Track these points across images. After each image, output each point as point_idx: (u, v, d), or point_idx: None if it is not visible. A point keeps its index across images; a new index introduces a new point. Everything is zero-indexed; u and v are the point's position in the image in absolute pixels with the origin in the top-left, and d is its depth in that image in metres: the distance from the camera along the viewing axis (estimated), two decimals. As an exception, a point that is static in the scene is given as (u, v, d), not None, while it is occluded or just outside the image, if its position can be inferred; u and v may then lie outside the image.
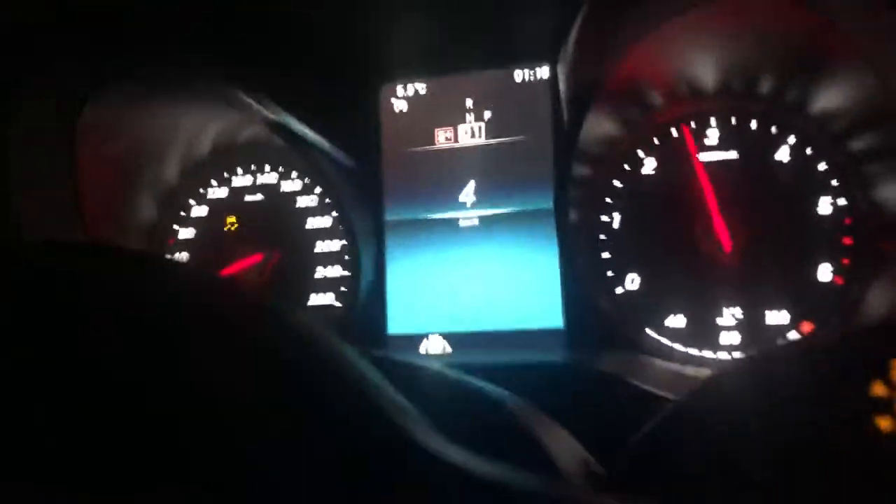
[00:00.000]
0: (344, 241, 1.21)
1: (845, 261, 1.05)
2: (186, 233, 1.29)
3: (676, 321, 1.10)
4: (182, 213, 1.29)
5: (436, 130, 1.16)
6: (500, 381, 0.73)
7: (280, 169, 1.26)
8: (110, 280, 0.38)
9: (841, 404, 0.41)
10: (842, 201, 1.06)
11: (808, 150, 1.08)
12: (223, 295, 0.41)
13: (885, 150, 1.01)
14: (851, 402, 0.40)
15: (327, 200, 1.23)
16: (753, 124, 1.11)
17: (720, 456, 0.46)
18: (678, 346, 1.09)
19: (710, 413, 0.49)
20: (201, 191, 1.29)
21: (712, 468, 0.46)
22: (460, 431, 0.51)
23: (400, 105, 1.18)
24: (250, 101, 1.07)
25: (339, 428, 0.36)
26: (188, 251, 1.29)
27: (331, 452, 0.35)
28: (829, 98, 1.05)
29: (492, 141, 1.14)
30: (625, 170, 1.15)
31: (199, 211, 1.28)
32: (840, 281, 1.05)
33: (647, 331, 1.11)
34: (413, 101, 1.18)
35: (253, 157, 1.27)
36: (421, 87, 1.17)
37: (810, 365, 0.44)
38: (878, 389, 0.40)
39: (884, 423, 0.40)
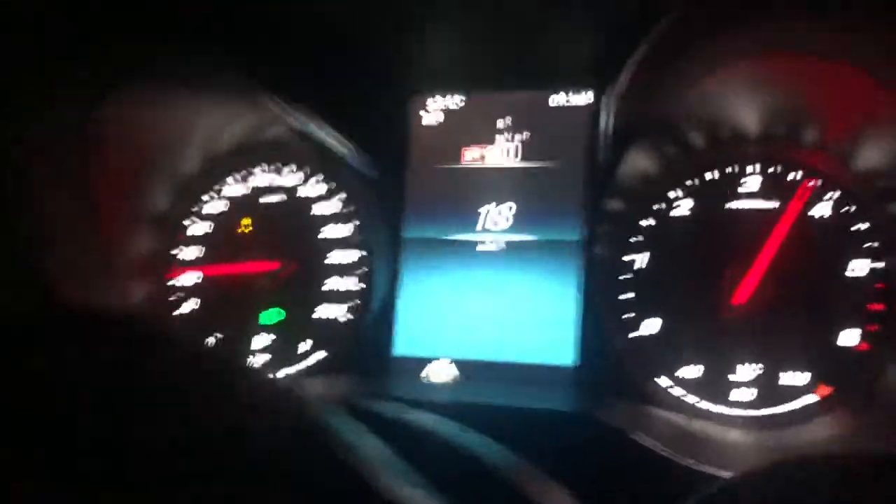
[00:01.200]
0: (360, 253, 1.18)
1: (873, 327, 1.02)
2: (198, 228, 1.26)
3: (690, 371, 1.07)
4: (195, 208, 1.26)
5: (464, 148, 1.12)
6: (502, 425, 0.72)
7: (302, 172, 1.22)
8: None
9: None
10: (877, 265, 1.02)
11: (851, 208, 1.04)
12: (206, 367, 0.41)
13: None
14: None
15: (347, 209, 1.19)
16: (793, 175, 1.06)
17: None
18: (689, 398, 1.06)
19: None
20: (217, 186, 1.26)
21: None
22: (454, 490, 0.49)
23: (430, 118, 1.14)
24: (276, 103, 1.03)
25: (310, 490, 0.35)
26: (200, 246, 1.26)
27: None
28: (873, 154, 1.02)
29: (522, 164, 1.10)
30: (656, 209, 1.11)
31: (214, 207, 1.26)
32: (865, 347, 1.02)
33: (659, 379, 1.08)
34: (445, 115, 1.14)
35: (276, 156, 1.23)
36: (454, 102, 1.13)
37: (842, 485, 0.42)
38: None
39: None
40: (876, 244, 1.03)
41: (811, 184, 1.06)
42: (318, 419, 0.41)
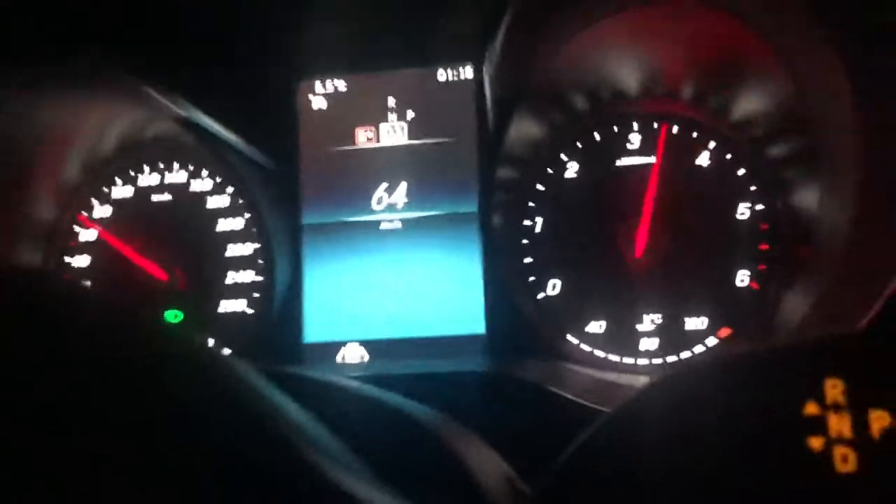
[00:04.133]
0: (257, 245, 1.15)
1: (762, 266, 1.06)
2: (89, 234, 1.21)
3: (597, 327, 1.09)
4: (84, 214, 1.21)
5: (356, 129, 1.12)
6: (419, 392, 0.71)
7: (190, 167, 1.19)
8: None
9: (774, 422, 0.39)
10: (759, 207, 1.07)
11: (728, 156, 1.09)
12: (110, 322, 0.38)
13: (801, 157, 1.03)
14: (784, 420, 0.39)
15: (240, 201, 1.17)
16: (675, 129, 1.11)
17: (646, 475, 0.45)
18: (598, 352, 1.08)
19: (635, 430, 0.47)
20: (105, 190, 1.21)
21: (637, 487, 0.45)
22: (379, 451, 0.48)
23: (319, 102, 1.13)
24: (159, 96, 1.01)
25: (238, 464, 0.33)
26: (90, 254, 1.21)
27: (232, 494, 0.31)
28: (749, 104, 1.07)
29: (414, 141, 1.11)
30: (548, 173, 1.14)
31: (103, 211, 1.21)
32: (756, 286, 1.06)
33: (569, 337, 1.10)
34: (333, 98, 1.13)
35: (161, 155, 1.20)
36: (341, 84, 1.13)
37: (742, 380, 0.43)
38: (811, 409, 0.39)
39: (816, 443, 0.39)
40: (754, 187, 1.08)
41: (691, 136, 1.11)
42: (239, 376, 0.39)
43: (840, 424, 0.39)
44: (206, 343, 0.40)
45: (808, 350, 0.41)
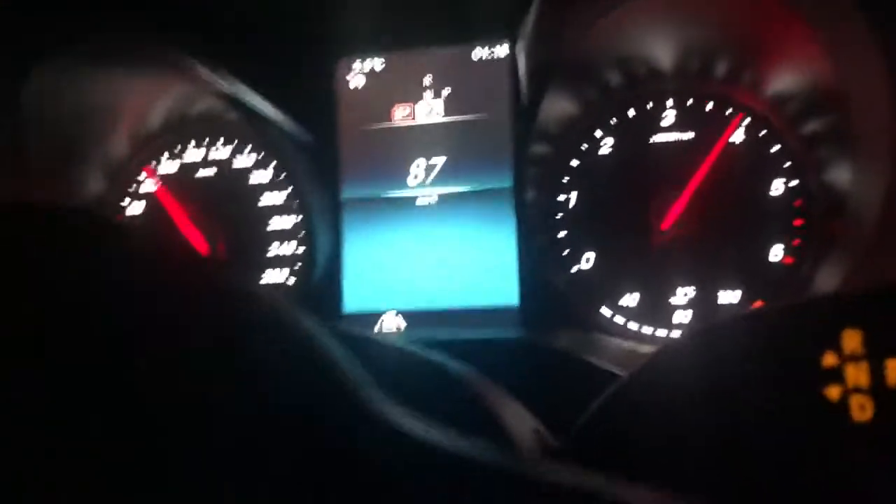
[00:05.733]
0: (298, 219, 1.19)
1: (796, 242, 1.07)
2: (136, 208, 1.26)
3: (630, 300, 1.11)
4: (131, 188, 1.25)
5: (393, 107, 1.15)
6: (455, 357, 0.73)
7: (234, 143, 1.23)
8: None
9: (792, 374, 0.41)
10: (793, 183, 1.08)
11: (762, 132, 1.09)
12: (173, 267, 0.40)
13: (835, 134, 1.03)
14: (802, 372, 0.41)
15: (282, 176, 1.21)
16: (709, 106, 1.12)
17: (670, 429, 0.46)
18: (632, 325, 1.10)
19: (659, 387, 0.49)
20: (152, 164, 1.26)
21: (662, 441, 0.47)
22: (416, 403, 0.50)
23: (357, 81, 1.16)
24: (204, 71, 1.04)
25: (295, 398, 0.35)
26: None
27: (289, 424, 0.34)
28: (783, 81, 1.07)
29: (450, 119, 1.13)
30: (582, 149, 1.15)
31: (150, 185, 1.25)
32: (790, 261, 1.07)
33: (602, 309, 1.11)
34: (370, 76, 1.16)
35: (206, 131, 1.24)
36: (378, 63, 1.16)
37: (759, 336, 0.44)
38: (829, 360, 0.40)
39: (833, 392, 0.40)
40: (788, 164, 1.08)
41: (726, 113, 1.11)
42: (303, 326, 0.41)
43: (857, 374, 0.40)
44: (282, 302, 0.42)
45: (827, 303, 0.42)
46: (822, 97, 1.02)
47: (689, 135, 1.12)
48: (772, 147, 1.09)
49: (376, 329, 1.11)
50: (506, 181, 1.10)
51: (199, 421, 0.33)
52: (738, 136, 1.10)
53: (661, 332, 1.09)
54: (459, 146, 1.13)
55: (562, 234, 1.14)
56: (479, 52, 1.13)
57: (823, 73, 1.00)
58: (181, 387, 0.33)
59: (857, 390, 0.40)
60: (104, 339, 0.34)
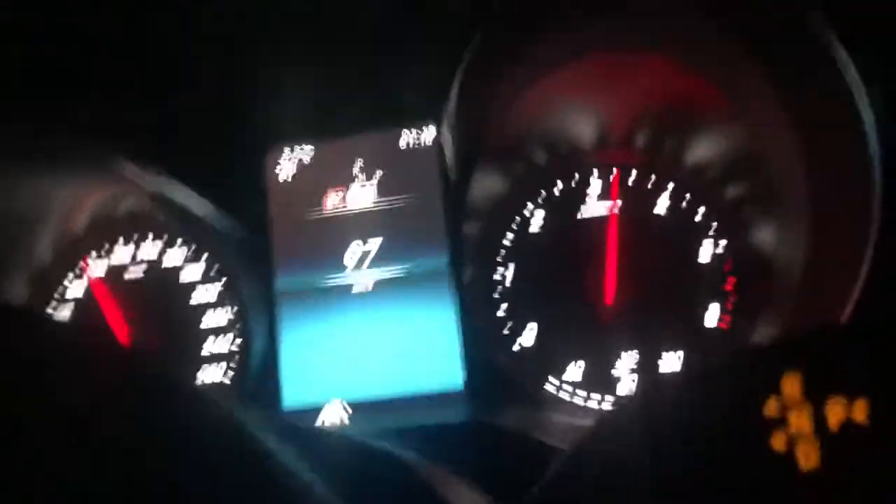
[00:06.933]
0: (232, 313, 1.16)
1: (729, 304, 1.09)
2: (62, 312, 1.21)
3: (575, 372, 1.10)
4: (56, 293, 1.21)
5: (324, 195, 1.14)
6: (402, 444, 0.71)
7: (163, 238, 1.21)
8: None
9: (735, 427, 0.41)
10: (721, 246, 1.10)
11: (687, 198, 1.13)
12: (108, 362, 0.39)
13: (757, 197, 1.06)
14: (746, 423, 0.40)
15: (214, 270, 1.18)
16: (632, 176, 1.15)
17: (618, 496, 0.45)
18: (578, 398, 1.09)
19: (604, 453, 0.48)
20: (77, 267, 1.22)
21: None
22: (366, 493, 0.48)
23: (287, 170, 1.16)
24: (132, 169, 1.02)
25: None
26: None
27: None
28: (703, 148, 1.11)
29: (383, 203, 1.13)
30: (514, 226, 1.16)
31: (76, 290, 1.21)
32: (726, 323, 1.08)
33: (547, 386, 1.10)
34: (300, 165, 1.16)
35: (134, 227, 1.21)
36: (308, 151, 1.16)
37: (701, 391, 0.44)
38: (771, 407, 0.40)
39: (778, 441, 0.40)
40: (715, 227, 1.11)
41: (650, 182, 1.14)
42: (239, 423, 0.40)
43: (800, 420, 0.40)
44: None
45: (764, 351, 0.42)
46: (741, 162, 1.06)
47: (616, 205, 1.14)
48: (697, 212, 1.12)
49: (318, 422, 1.07)
50: (442, 262, 1.10)
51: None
52: (662, 204, 1.13)
53: (609, 401, 1.08)
54: (394, 229, 1.12)
55: (501, 311, 1.14)
56: (407, 137, 1.14)
57: (740, 139, 1.04)
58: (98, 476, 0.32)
59: (801, 437, 0.40)
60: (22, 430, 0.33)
